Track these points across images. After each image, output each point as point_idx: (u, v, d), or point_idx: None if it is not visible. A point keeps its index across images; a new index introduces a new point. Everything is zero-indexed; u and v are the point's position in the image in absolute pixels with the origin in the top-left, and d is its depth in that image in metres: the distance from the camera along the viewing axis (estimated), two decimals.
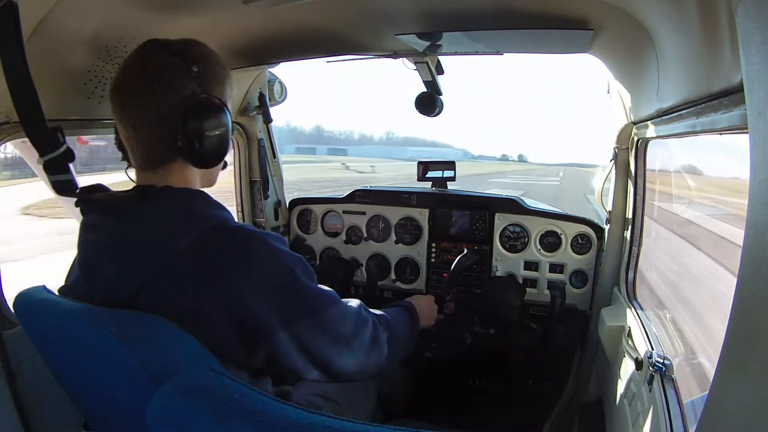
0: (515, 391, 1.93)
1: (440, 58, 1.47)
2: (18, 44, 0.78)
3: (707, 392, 0.45)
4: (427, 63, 1.43)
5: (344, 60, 1.48)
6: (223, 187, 1.03)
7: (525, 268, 1.73)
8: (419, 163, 1.92)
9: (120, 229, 0.75)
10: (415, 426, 0.56)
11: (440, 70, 1.51)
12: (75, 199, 0.82)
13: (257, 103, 1.72)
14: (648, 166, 1.38)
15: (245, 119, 1.74)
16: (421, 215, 1.84)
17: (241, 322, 0.71)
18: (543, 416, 1.76)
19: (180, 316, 0.67)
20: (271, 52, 1.46)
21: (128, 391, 0.66)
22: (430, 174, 1.90)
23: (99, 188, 0.82)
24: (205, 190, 0.86)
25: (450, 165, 1.90)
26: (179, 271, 0.71)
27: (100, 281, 0.74)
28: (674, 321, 1.26)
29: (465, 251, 1.61)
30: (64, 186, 0.87)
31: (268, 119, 1.77)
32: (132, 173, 0.83)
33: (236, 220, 0.83)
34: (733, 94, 0.64)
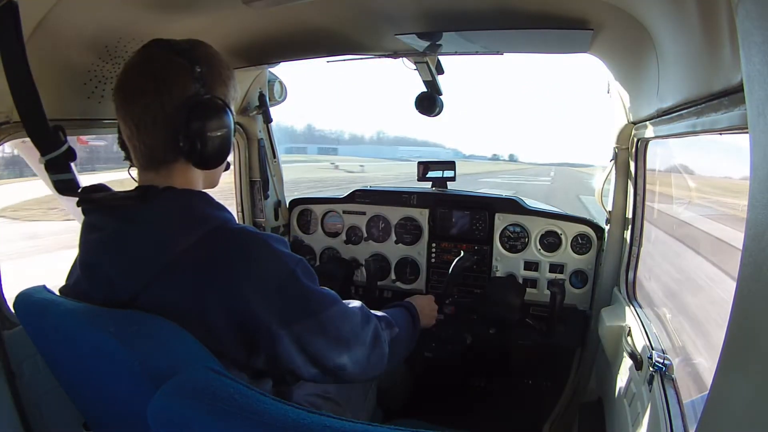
0: (515, 391, 1.93)
1: (440, 57, 1.47)
2: (18, 44, 0.78)
3: (707, 392, 0.45)
4: (427, 63, 1.43)
5: (344, 60, 1.48)
6: (224, 187, 1.02)
7: (525, 268, 1.73)
8: (419, 163, 1.92)
9: (121, 229, 0.75)
10: (415, 426, 0.56)
11: (440, 70, 1.51)
12: (76, 199, 0.82)
13: (257, 103, 1.72)
14: (648, 166, 1.38)
15: (245, 119, 1.74)
16: (421, 215, 1.84)
17: (242, 323, 0.71)
18: (543, 416, 1.76)
19: (181, 317, 0.67)
20: (271, 52, 1.47)
21: (128, 391, 0.66)
22: (430, 174, 1.90)
23: (101, 188, 0.82)
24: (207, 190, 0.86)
25: (450, 165, 1.90)
26: (180, 272, 0.71)
27: (101, 281, 0.74)
28: (676, 330, 1.25)
29: (462, 253, 1.61)
30: (65, 185, 0.87)
31: (268, 119, 1.78)
32: (134, 172, 0.83)
33: (236, 220, 0.83)
34: (733, 94, 0.64)
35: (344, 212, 1.94)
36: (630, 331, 1.18)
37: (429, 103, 1.57)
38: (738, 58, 0.49)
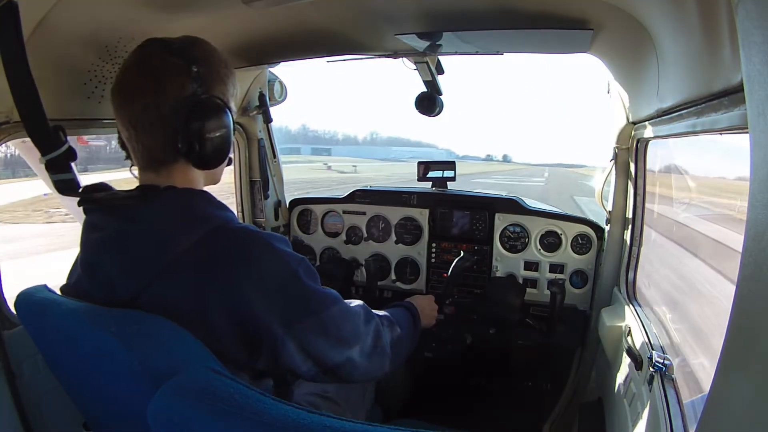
0: (515, 391, 1.93)
1: (440, 57, 1.47)
2: (18, 44, 0.78)
3: (707, 392, 0.45)
4: (427, 63, 1.43)
5: (344, 60, 1.48)
6: (224, 187, 1.02)
7: (525, 268, 1.73)
8: (420, 163, 1.92)
9: (122, 228, 0.75)
10: (415, 426, 0.56)
11: (440, 70, 1.51)
12: (77, 199, 0.82)
13: (257, 103, 1.72)
14: (648, 167, 1.38)
15: (245, 119, 1.74)
16: (421, 215, 1.84)
17: (243, 322, 0.71)
18: (543, 416, 1.76)
19: (181, 316, 0.67)
20: (271, 52, 1.47)
21: (128, 391, 0.66)
22: (430, 174, 1.90)
23: (102, 187, 0.81)
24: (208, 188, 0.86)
25: (450, 165, 1.90)
26: (181, 272, 0.71)
27: (101, 281, 0.74)
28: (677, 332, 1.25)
29: (462, 254, 1.61)
30: (66, 185, 0.87)
31: (268, 119, 1.78)
32: (136, 171, 0.83)
33: (238, 219, 0.83)
34: (733, 94, 0.64)
35: (344, 212, 1.94)
36: (630, 331, 1.18)
37: (429, 103, 1.57)
38: (738, 58, 0.49)
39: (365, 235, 1.91)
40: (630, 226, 1.40)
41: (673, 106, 0.92)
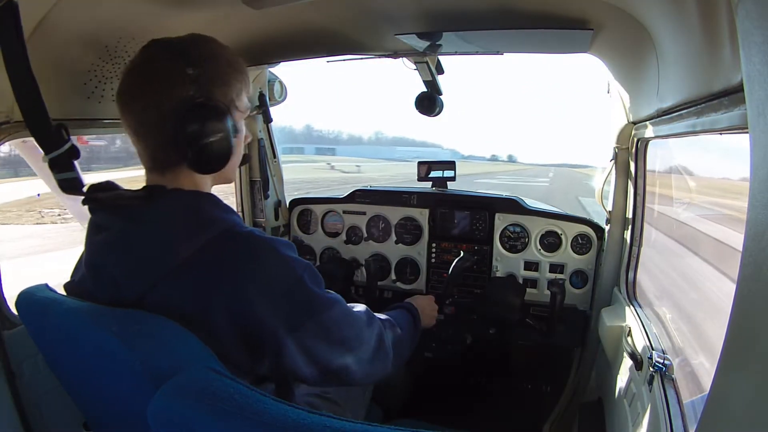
0: (515, 391, 1.93)
1: (440, 57, 1.47)
2: (19, 44, 0.78)
3: (707, 392, 0.45)
4: (427, 63, 1.43)
5: (344, 60, 1.48)
6: (224, 187, 1.02)
7: (525, 269, 1.73)
8: (420, 163, 1.92)
9: (127, 229, 0.74)
10: (415, 426, 0.56)
11: (440, 70, 1.51)
12: (79, 199, 0.82)
13: (257, 103, 1.72)
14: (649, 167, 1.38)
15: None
16: (422, 215, 1.84)
17: (247, 326, 0.71)
18: (543, 416, 1.76)
19: (185, 319, 0.67)
20: (271, 52, 1.47)
21: (129, 391, 0.66)
22: (430, 174, 1.90)
23: (108, 186, 0.81)
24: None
25: (450, 165, 1.90)
26: (187, 275, 0.70)
27: (106, 282, 0.74)
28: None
29: (462, 254, 1.61)
30: (69, 184, 0.86)
31: (268, 119, 1.78)
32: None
33: (244, 223, 0.82)
34: (733, 94, 0.64)
35: (344, 212, 1.94)
36: (630, 331, 1.18)
37: (429, 103, 1.57)
38: (738, 58, 0.49)
39: (365, 235, 1.91)
40: (630, 226, 1.40)
41: (673, 106, 0.92)
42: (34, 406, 0.96)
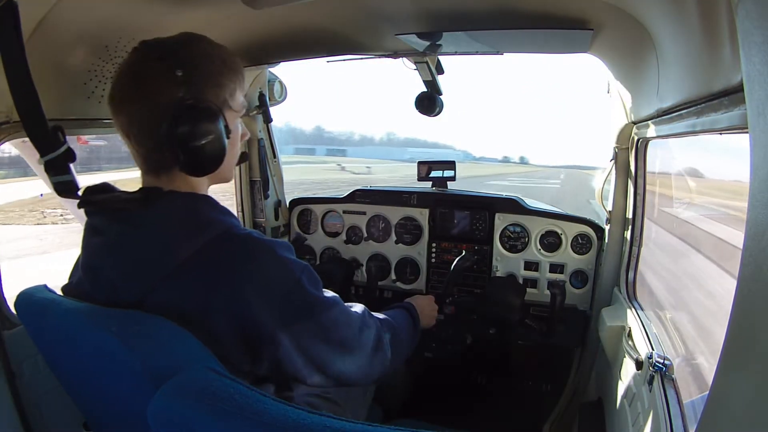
0: (515, 391, 1.93)
1: (440, 57, 1.47)
2: (18, 44, 0.78)
3: (707, 392, 0.45)
4: (427, 63, 1.43)
5: (344, 60, 1.48)
6: (224, 187, 1.02)
7: (525, 268, 1.73)
8: (420, 163, 1.92)
9: (124, 232, 0.74)
10: (415, 426, 0.56)
11: (440, 70, 1.51)
12: (77, 201, 0.82)
13: (257, 103, 1.72)
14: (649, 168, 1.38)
15: (245, 119, 1.74)
16: (422, 215, 1.84)
17: (245, 328, 0.71)
18: (543, 416, 1.76)
19: (184, 321, 0.67)
20: (271, 52, 1.47)
21: (129, 391, 0.66)
22: (430, 174, 1.90)
23: (105, 188, 0.80)
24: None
25: (450, 165, 1.90)
26: (185, 277, 0.70)
27: (103, 285, 0.74)
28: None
29: (463, 253, 1.61)
30: (64, 187, 0.86)
31: (268, 119, 1.77)
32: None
33: (242, 225, 0.82)
34: (733, 94, 0.64)
35: (344, 212, 1.94)
36: (630, 331, 1.18)
37: (429, 102, 1.57)
38: (738, 58, 0.49)
39: (365, 235, 1.91)
40: (630, 226, 1.40)
41: (673, 105, 0.92)
42: (34, 406, 0.96)
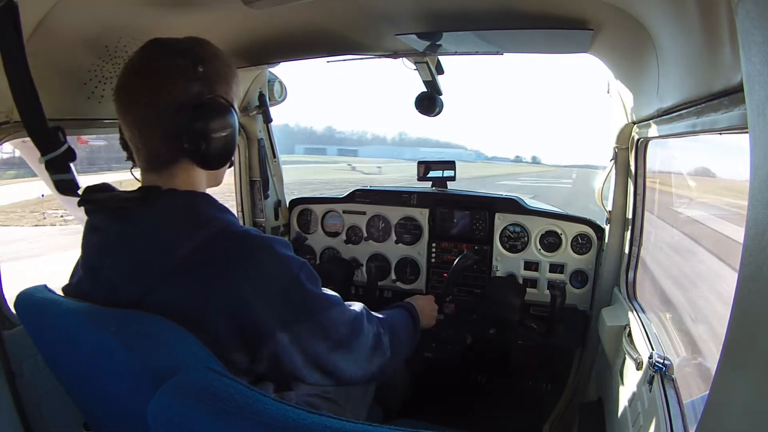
0: (515, 391, 1.93)
1: (440, 57, 1.47)
2: (18, 44, 0.78)
3: (707, 392, 0.45)
4: (427, 63, 1.43)
5: (344, 60, 1.48)
6: (224, 188, 1.02)
7: (525, 268, 1.73)
8: (420, 162, 1.92)
9: (124, 231, 0.74)
10: (415, 426, 0.56)
11: (440, 70, 1.51)
12: (77, 199, 0.82)
13: (257, 103, 1.72)
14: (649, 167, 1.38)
15: (245, 119, 1.74)
16: (422, 215, 1.84)
17: (244, 326, 0.71)
18: (543, 416, 1.76)
19: (183, 320, 0.67)
20: (271, 52, 1.47)
21: (129, 391, 0.66)
22: (430, 174, 1.90)
23: (105, 187, 0.81)
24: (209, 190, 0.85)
25: (450, 165, 1.90)
26: (183, 275, 0.70)
27: (103, 284, 0.74)
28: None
29: (465, 252, 1.61)
30: (65, 185, 0.87)
31: (268, 119, 1.78)
32: (137, 172, 0.83)
33: (240, 222, 0.83)
34: (733, 94, 0.64)
35: (344, 212, 1.94)
36: (630, 331, 1.18)
37: (429, 102, 1.57)
38: (738, 58, 0.49)
39: (365, 234, 1.91)
40: (630, 226, 1.40)
41: (673, 105, 0.92)
42: (34, 406, 0.96)
